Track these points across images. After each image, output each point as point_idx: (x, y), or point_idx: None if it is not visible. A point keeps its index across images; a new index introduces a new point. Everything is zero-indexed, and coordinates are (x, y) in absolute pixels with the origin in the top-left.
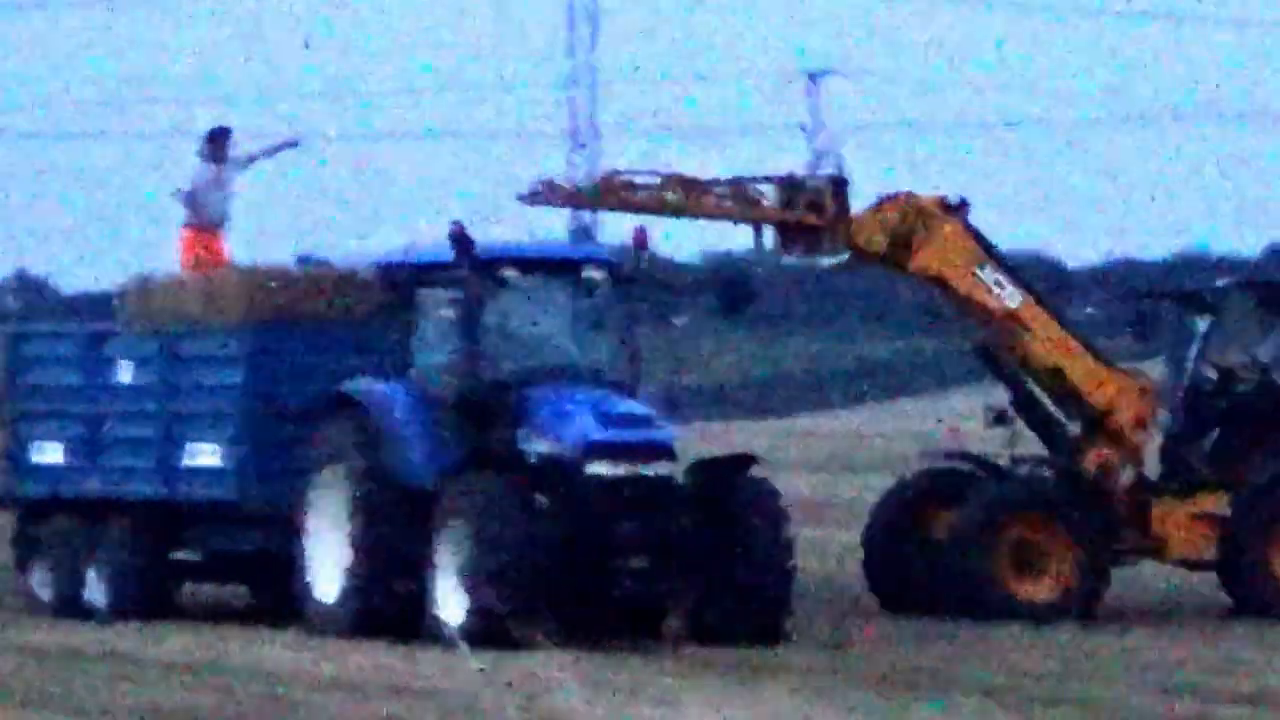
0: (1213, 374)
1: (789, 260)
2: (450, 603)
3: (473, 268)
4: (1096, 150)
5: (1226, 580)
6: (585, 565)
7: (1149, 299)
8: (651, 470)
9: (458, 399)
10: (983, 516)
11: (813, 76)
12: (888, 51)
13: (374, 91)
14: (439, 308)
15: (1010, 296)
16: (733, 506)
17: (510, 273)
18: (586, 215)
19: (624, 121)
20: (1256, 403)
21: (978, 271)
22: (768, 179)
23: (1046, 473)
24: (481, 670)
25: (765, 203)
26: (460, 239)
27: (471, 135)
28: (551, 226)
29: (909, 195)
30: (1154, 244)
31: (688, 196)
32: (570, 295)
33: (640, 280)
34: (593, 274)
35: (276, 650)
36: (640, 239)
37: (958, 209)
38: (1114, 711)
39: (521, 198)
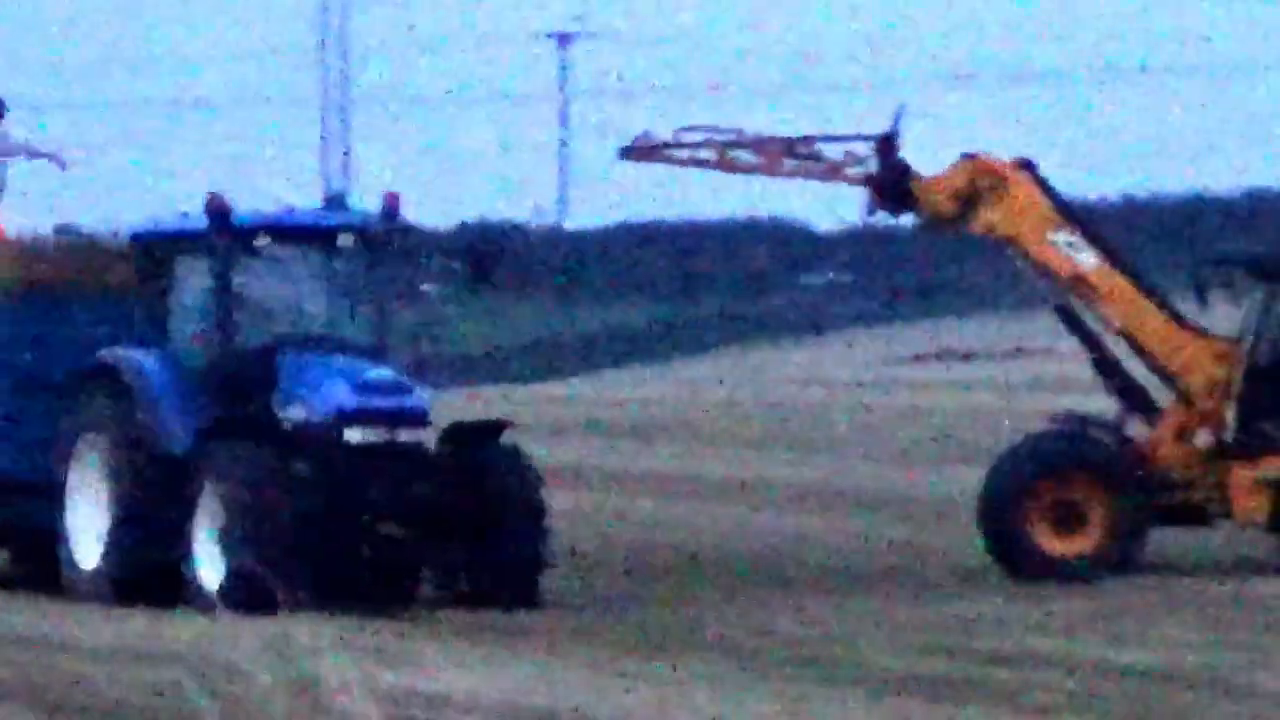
0: None
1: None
2: (209, 568)
3: (227, 236)
4: (844, 113)
5: None
6: (341, 530)
7: (1215, 265)
8: (405, 436)
9: (214, 367)
10: (1015, 474)
11: (561, 39)
12: (640, 12)
13: (131, 61)
14: (194, 277)
15: (1082, 259)
16: (486, 472)
17: (264, 241)
18: (339, 182)
19: (377, 89)
20: None
21: (1049, 234)
22: (836, 137)
23: (1106, 437)
24: None
25: (840, 163)
26: (216, 208)
27: (225, 105)
28: (305, 195)
29: (980, 157)
30: None
31: (765, 155)
32: (323, 262)
33: (392, 247)
34: (345, 241)
35: (40, 618)
36: (391, 206)
37: (1030, 170)
38: (861, 672)
39: (620, 153)
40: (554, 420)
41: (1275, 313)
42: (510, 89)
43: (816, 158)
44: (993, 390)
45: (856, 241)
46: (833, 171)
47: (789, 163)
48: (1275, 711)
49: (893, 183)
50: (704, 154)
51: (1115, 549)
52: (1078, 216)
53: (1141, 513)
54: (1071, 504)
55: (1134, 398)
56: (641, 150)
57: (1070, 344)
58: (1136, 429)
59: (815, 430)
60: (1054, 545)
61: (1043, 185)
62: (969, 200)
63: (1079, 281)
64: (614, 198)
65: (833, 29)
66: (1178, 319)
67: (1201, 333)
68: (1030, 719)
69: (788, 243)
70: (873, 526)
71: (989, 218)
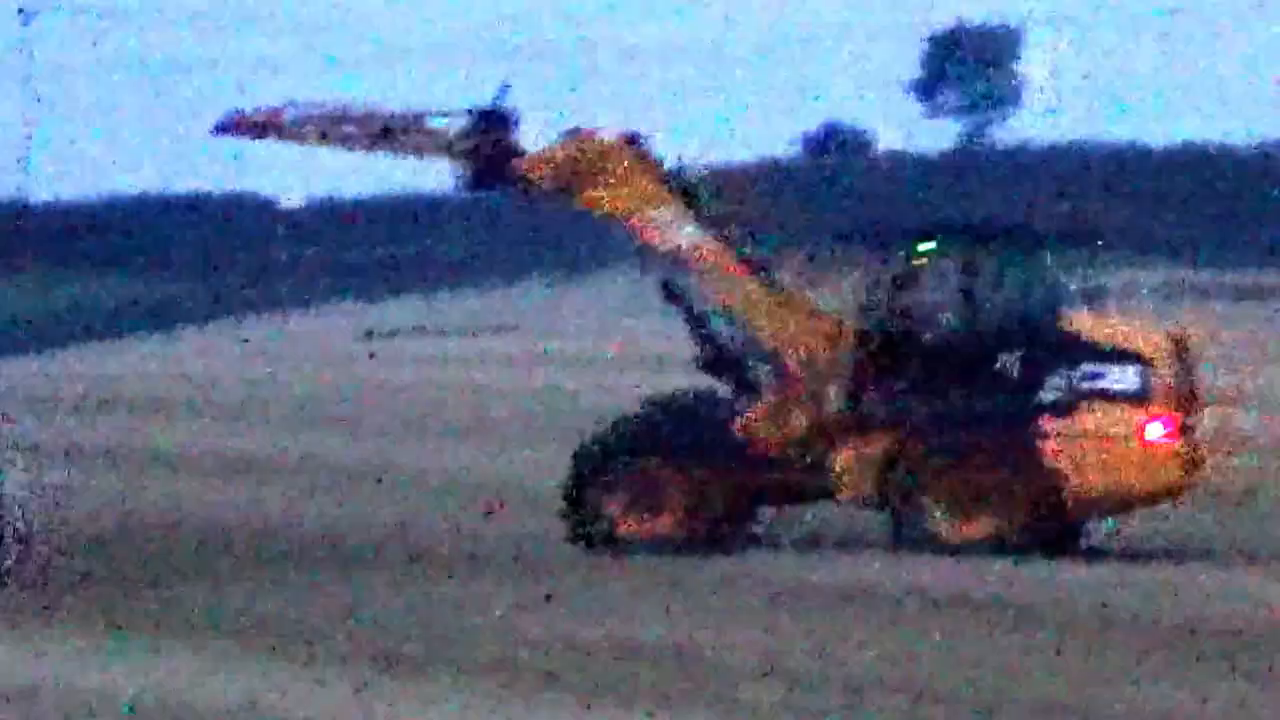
0: (897, 316)
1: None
2: None
3: None
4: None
5: (892, 519)
6: None
7: (841, 240)
8: None
9: None
10: (600, 453)
11: (23, 12)
12: None
13: None
14: None
15: (684, 236)
16: None
17: None
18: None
19: None
20: (935, 346)
21: (651, 211)
22: (442, 113)
23: (696, 417)
24: None
25: (443, 139)
26: None
27: None
28: None
29: (587, 132)
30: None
31: (367, 131)
32: None
33: None
34: None
35: None
36: None
37: (636, 144)
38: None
39: (213, 129)
40: (33, 396)
41: (884, 288)
42: None
43: (422, 133)
44: (475, 366)
45: (322, 216)
46: (436, 147)
47: (393, 138)
48: (740, 683)
49: (496, 159)
50: (307, 129)
51: (698, 529)
52: (685, 190)
53: (728, 492)
54: (655, 484)
55: (737, 375)
56: (240, 126)
57: (551, 320)
58: (737, 407)
59: (306, 405)
60: (635, 525)
61: (648, 160)
62: (573, 175)
63: (678, 256)
64: (77, 172)
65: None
66: (784, 294)
67: (808, 308)
68: (504, 692)
69: (252, 217)
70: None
71: (593, 193)
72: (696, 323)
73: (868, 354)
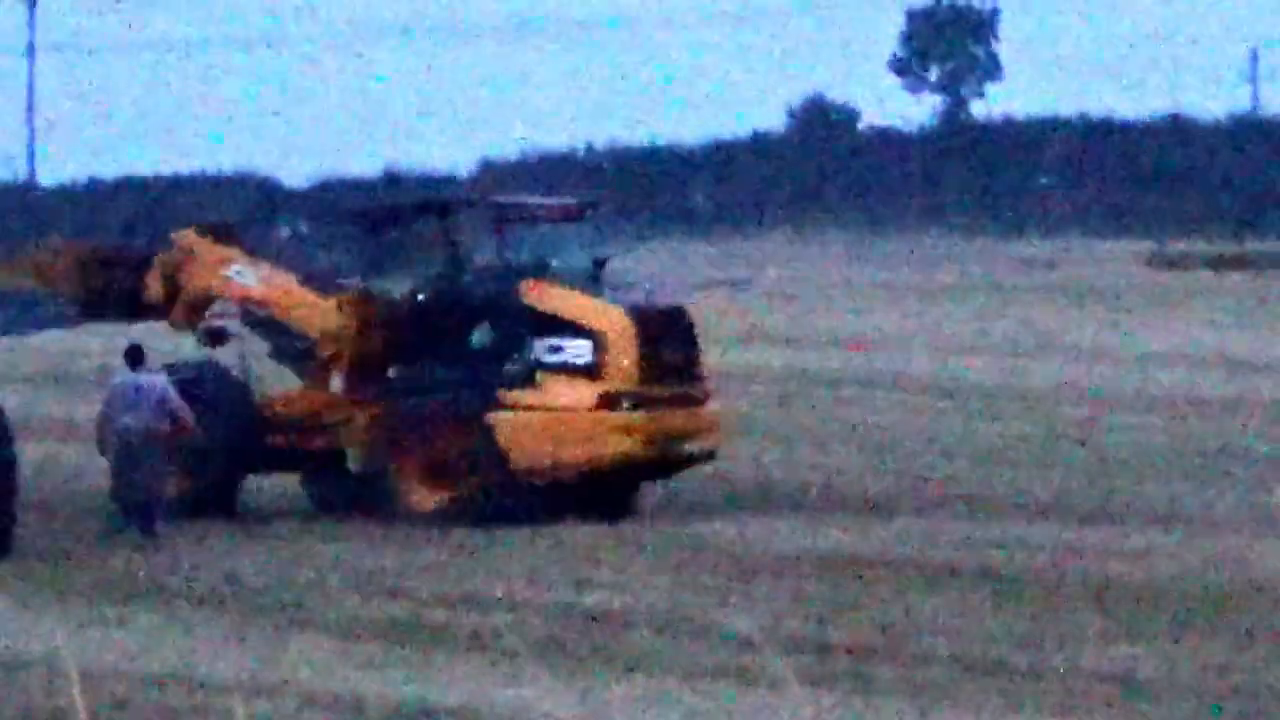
0: (409, 288)
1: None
2: None
3: None
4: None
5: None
6: None
7: (357, 217)
8: None
9: None
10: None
11: None
12: None
13: None
14: None
15: (249, 280)
16: None
17: None
18: None
19: None
20: (417, 317)
21: (225, 272)
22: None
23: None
24: None
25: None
26: None
27: None
28: None
29: (172, 241)
30: (367, 163)
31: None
32: None
33: None
34: None
35: None
36: None
37: (205, 228)
38: (328, 617)
39: None
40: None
41: (368, 262)
42: None
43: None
44: None
45: (326, 192)
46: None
47: (42, 270)
48: (734, 650)
49: (127, 294)
50: None
51: (210, 488)
52: (248, 245)
53: (235, 457)
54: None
55: (301, 367)
56: None
57: None
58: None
59: None
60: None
61: (216, 233)
62: (174, 284)
63: (249, 300)
64: (83, 154)
65: None
66: (319, 286)
67: (339, 290)
68: (498, 661)
69: (260, 195)
70: None
71: (190, 286)
72: (269, 335)
73: (375, 327)
